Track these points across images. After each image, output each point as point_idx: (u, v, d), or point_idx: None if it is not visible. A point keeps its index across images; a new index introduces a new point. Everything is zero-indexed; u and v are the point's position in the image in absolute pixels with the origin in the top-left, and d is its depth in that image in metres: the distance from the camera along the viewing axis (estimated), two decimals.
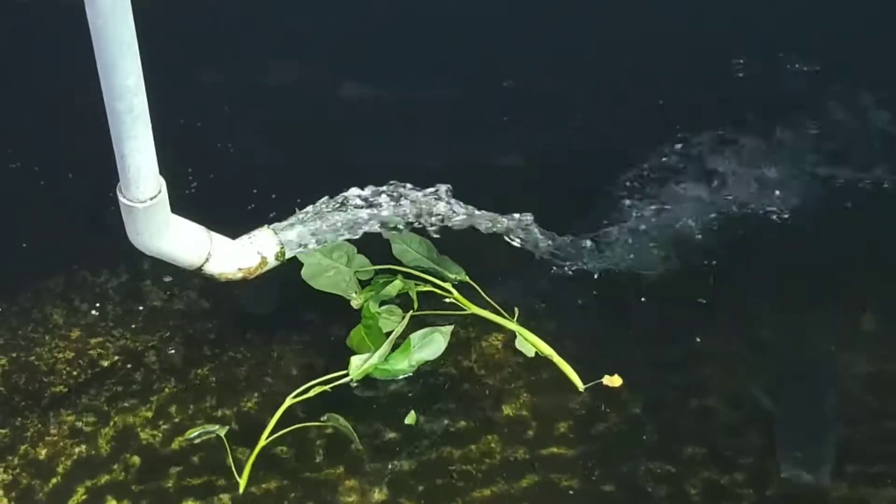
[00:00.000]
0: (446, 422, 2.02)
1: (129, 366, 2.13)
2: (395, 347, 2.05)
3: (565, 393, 2.07)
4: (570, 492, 1.91)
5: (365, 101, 2.76)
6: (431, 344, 2.03)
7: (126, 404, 2.05)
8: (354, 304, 2.11)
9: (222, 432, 1.95)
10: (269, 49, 2.88)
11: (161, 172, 1.65)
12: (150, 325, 2.21)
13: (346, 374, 2.01)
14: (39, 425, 2.02)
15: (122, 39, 1.46)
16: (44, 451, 1.98)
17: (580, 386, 2.06)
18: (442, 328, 2.05)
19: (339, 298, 2.12)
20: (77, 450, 1.98)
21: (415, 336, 2.03)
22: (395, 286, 2.11)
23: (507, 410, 2.04)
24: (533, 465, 1.94)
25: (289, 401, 1.97)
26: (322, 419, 1.97)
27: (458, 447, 1.98)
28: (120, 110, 1.52)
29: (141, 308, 2.23)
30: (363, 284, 2.15)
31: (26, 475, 1.93)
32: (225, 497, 1.90)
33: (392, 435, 1.99)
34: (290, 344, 2.16)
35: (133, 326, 2.20)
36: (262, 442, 1.94)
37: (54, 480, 1.93)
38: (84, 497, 1.91)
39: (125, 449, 1.98)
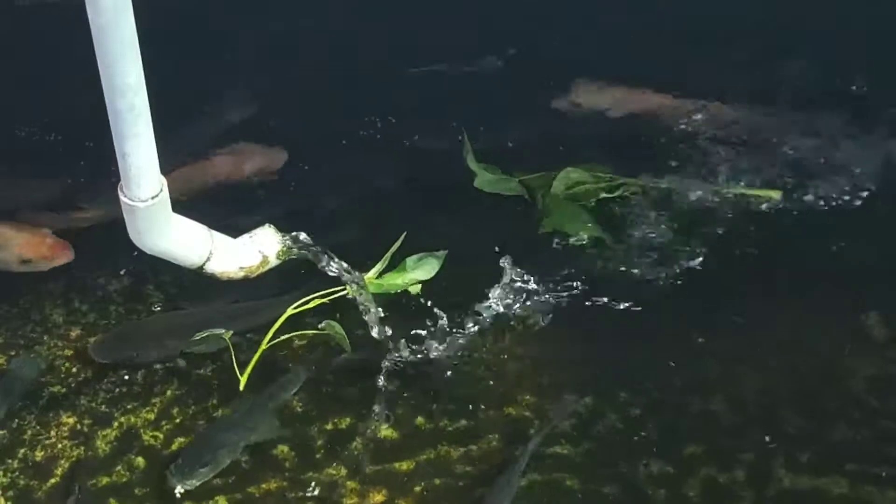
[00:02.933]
0: (447, 421, 2.02)
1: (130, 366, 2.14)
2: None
3: (567, 393, 2.07)
4: (572, 492, 1.90)
5: (362, 99, 2.77)
6: (425, 266, 2.16)
7: (128, 406, 2.05)
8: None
9: (227, 335, 1.99)
10: (270, 48, 2.88)
11: (162, 171, 1.65)
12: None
13: (344, 290, 2.06)
14: (38, 426, 2.02)
15: (124, 38, 1.46)
16: (42, 454, 1.97)
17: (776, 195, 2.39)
18: (437, 253, 2.17)
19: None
20: (76, 451, 1.97)
21: (410, 259, 2.15)
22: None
23: (508, 410, 2.04)
24: (533, 465, 1.94)
25: (290, 311, 2.01)
26: (320, 326, 2.00)
27: (459, 447, 1.98)
28: (121, 109, 1.52)
29: (142, 308, 2.23)
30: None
31: (24, 477, 1.93)
32: (221, 499, 1.90)
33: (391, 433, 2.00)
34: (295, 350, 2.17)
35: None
36: (264, 345, 2.01)
37: (52, 481, 1.93)
38: (81, 496, 1.89)
39: (128, 450, 1.97)
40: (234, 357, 2.02)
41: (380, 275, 2.13)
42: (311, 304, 2.04)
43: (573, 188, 2.45)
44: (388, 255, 2.13)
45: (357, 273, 2.05)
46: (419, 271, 2.16)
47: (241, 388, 2.03)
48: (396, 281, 2.15)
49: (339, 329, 1.99)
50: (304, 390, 2.07)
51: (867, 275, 2.30)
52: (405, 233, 2.16)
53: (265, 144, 2.58)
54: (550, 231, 2.39)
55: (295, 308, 2.03)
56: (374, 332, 2.04)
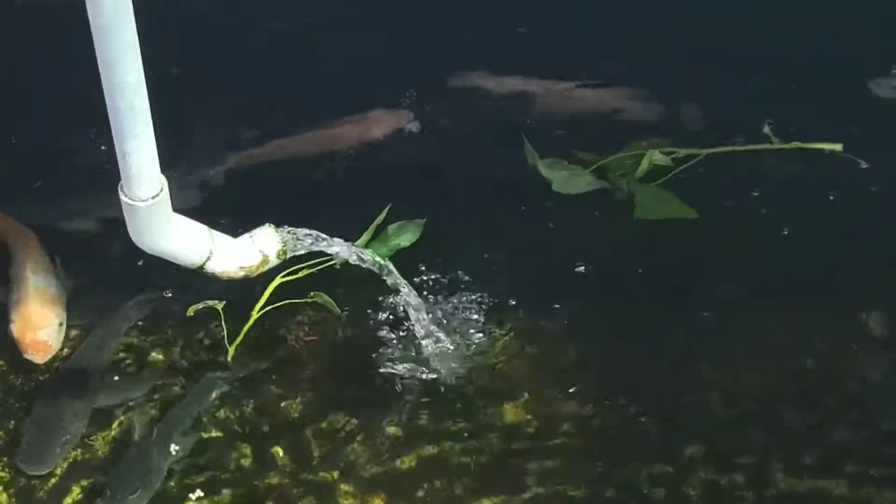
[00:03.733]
0: (447, 422, 2.02)
1: (132, 365, 2.13)
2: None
3: (566, 393, 2.07)
4: (570, 492, 1.91)
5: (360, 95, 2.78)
6: (406, 233, 2.28)
7: (130, 404, 2.05)
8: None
9: (219, 306, 2.02)
10: (271, 47, 2.88)
11: (162, 170, 1.65)
12: (150, 324, 2.20)
13: (332, 259, 2.12)
14: None
15: (124, 37, 1.45)
16: None
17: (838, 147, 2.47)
18: (417, 220, 2.29)
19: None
20: (77, 450, 1.97)
21: (392, 227, 2.27)
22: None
23: (508, 411, 2.04)
24: (534, 465, 1.95)
25: (278, 279, 2.04)
26: (310, 295, 2.04)
27: (459, 447, 1.98)
28: (121, 108, 1.52)
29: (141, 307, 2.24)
30: None
31: (25, 475, 1.92)
32: (224, 498, 1.90)
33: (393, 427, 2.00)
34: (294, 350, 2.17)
35: (134, 325, 2.21)
36: (255, 314, 2.05)
37: (52, 481, 1.92)
38: (80, 496, 1.90)
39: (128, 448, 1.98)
40: (224, 327, 2.04)
41: (366, 246, 2.21)
42: (299, 274, 2.08)
43: (649, 168, 2.48)
44: (373, 226, 2.22)
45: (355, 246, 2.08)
46: (401, 238, 2.27)
47: (230, 359, 2.06)
48: (381, 251, 2.23)
49: (326, 298, 2.05)
50: (302, 388, 2.08)
51: (869, 273, 2.30)
52: (390, 204, 2.26)
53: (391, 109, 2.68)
54: (646, 218, 2.39)
55: (283, 277, 2.05)
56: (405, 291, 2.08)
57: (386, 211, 2.26)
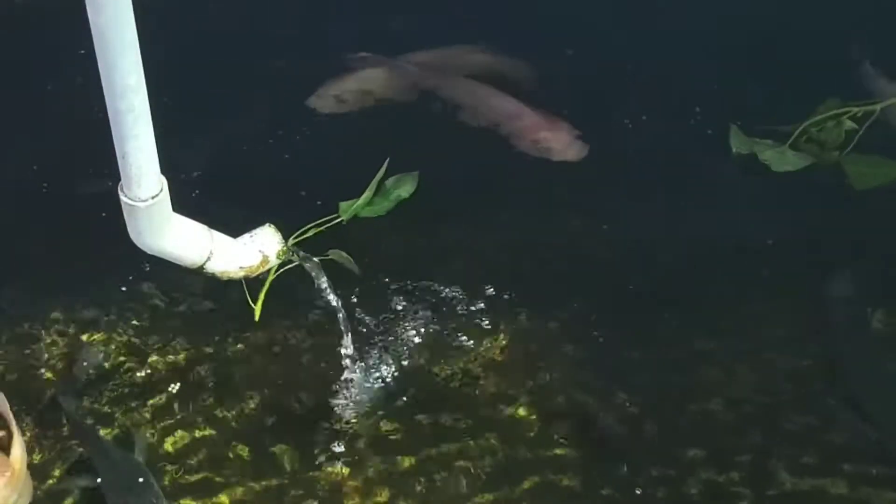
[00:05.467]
0: (448, 421, 2.02)
1: (131, 365, 2.13)
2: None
3: (567, 393, 2.07)
4: (571, 492, 1.91)
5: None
6: (405, 185, 2.41)
7: (129, 404, 2.06)
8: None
9: (239, 275, 2.01)
10: (271, 47, 2.89)
11: (162, 171, 1.65)
12: (150, 324, 2.21)
13: (338, 217, 2.20)
14: (36, 428, 2.01)
15: (124, 38, 1.45)
16: (40, 456, 1.97)
17: None
18: (412, 173, 2.41)
19: None
20: (79, 449, 1.98)
21: (389, 181, 2.39)
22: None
23: (508, 411, 2.05)
24: (534, 465, 1.95)
25: (290, 241, 2.03)
26: (326, 254, 2.05)
27: (460, 447, 1.98)
28: (121, 109, 1.52)
29: (142, 307, 2.23)
30: None
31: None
32: (223, 497, 1.90)
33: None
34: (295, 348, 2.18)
35: (134, 324, 2.21)
36: (272, 276, 2.04)
37: (50, 482, 1.93)
38: (80, 497, 1.91)
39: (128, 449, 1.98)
40: (246, 292, 2.06)
41: (369, 202, 2.32)
42: (309, 234, 2.10)
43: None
44: (374, 182, 2.32)
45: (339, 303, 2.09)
46: (401, 189, 2.39)
47: (256, 318, 2.10)
48: (383, 204, 2.34)
49: (345, 255, 2.08)
50: (303, 388, 2.08)
51: (871, 272, 2.31)
52: (388, 158, 2.34)
53: (564, 122, 2.68)
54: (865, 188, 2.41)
55: (295, 238, 2.05)
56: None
57: (385, 166, 2.31)
